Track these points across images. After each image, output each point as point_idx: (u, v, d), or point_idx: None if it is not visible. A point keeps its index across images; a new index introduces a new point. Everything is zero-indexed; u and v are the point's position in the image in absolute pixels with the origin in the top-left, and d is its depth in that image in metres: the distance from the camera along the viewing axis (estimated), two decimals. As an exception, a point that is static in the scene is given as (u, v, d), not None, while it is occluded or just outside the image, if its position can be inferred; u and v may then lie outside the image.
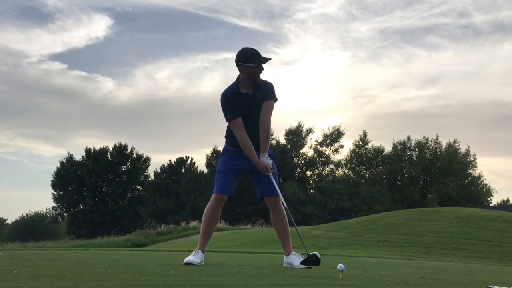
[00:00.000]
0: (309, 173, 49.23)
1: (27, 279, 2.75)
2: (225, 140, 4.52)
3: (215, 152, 45.68)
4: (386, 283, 3.39)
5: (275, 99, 4.37)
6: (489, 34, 61.49)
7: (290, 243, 4.45)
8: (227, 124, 4.43)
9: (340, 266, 3.53)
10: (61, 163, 47.93)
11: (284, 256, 4.45)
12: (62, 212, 49.96)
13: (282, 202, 4.34)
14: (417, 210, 17.79)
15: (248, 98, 4.27)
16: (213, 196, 4.39)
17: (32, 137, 71.67)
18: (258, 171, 4.34)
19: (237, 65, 4.29)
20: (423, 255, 10.21)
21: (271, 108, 4.33)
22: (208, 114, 66.83)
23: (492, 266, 7.86)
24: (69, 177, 46.59)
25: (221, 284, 2.88)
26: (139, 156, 50.53)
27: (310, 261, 3.44)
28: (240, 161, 4.38)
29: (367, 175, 50.14)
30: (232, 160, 4.41)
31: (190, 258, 4.18)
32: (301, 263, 3.47)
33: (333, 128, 48.38)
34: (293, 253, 4.38)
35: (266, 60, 4.22)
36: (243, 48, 4.26)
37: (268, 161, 4.24)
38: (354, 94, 68.32)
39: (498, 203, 54.29)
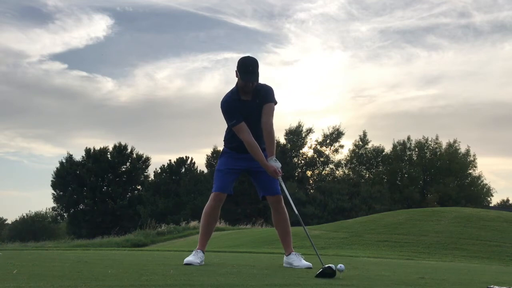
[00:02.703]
0: (309, 173, 49.25)
1: (27, 279, 2.75)
2: (224, 144, 4.53)
3: (215, 152, 45.70)
4: (386, 283, 3.39)
5: (275, 102, 4.35)
6: (489, 34, 61.43)
7: (291, 243, 4.45)
8: (226, 128, 4.43)
9: (340, 266, 3.53)
10: (61, 163, 47.97)
11: (284, 256, 4.45)
12: (62, 212, 49.96)
13: (293, 209, 4.22)
14: (417, 210, 17.80)
15: (248, 105, 4.26)
16: (212, 195, 4.38)
17: (32, 137, 71.66)
18: (257, 171, 4.35)
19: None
20: (423, 255, 10.20)
21: (271, 111, 4.31)
22: (208, 114, 66.79)
23: (492, 266, 7.86)
24: (69, 177, 46.61)
25: (221, 284, 2.88)
26: (139, 156, 50.53)
27: (326, 273, 3.43)
28: (240, 162, 4.40)
29: (367, 175, 50.13)
30: (231, 160, 4.42)
31: (190, 258, 4.18)
32: (316, 276, 3.46)
33: (333, 128, 48.51)
34: (294, 253, 4.38)
35: (250, 79, 4.14)
36: (243, 57, 4.22)
37: (277, 165, 4.21)
38: (354, 94, 68.27)
39: (498, 203, 54.27)
